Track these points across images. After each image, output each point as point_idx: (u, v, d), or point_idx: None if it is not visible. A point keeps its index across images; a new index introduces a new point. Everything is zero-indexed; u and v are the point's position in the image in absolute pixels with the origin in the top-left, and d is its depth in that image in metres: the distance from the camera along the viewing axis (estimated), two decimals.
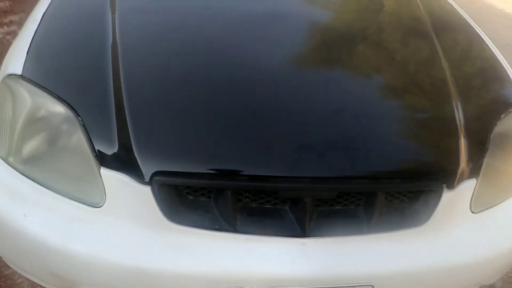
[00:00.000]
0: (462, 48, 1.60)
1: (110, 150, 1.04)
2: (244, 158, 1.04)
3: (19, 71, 1.20)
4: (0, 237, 1.18)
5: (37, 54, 1.26)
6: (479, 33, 1.67)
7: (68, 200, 1.08)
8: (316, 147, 1.07)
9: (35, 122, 1.13)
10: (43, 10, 1.42)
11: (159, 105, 1.12)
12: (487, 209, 1.23)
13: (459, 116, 1.23)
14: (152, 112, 1.10)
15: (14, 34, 3.68)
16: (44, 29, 1.34)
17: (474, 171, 1.17)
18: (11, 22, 3.98)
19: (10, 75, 1.21)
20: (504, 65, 1.53)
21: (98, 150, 1.05)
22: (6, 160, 1.15)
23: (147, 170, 1.01)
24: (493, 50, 1.60)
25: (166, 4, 1.50)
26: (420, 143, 1.18)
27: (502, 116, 1.30)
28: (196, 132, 1.07)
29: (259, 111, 1.13)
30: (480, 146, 1.21)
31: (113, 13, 1.37)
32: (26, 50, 1.26)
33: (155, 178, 1.00)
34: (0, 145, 1.17)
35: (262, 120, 1.11)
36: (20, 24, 3.86)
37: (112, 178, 1.04)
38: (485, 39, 1.65)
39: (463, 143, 1.17)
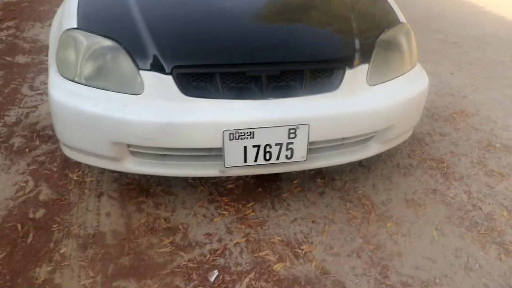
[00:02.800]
0: None
1: (145, 60, 1.74)
2: (224, 54, 1.77)
3: (75, 25, 1.89)
4: (72, 126, 1.83)
5: (84, 15, 1.94)
6: None
7: (120, 93, 1.77)
8: (266, 46, 1.81)
9: (91, 53, 1.81)
10: None
11: (171, 29, 1.84)
12: (378, 84, 1.97)
13: (356, 29, 1.98)
14: (167, 33, 1.82)
15: (14, 36, 4.30)
16: (84, 1, 2.03)
17: (366, 59, 1.92)
18: (8, 27, 4.58)
19: (69, 29, 1.90)
20: (392, 6, 2.29)
21: (137, 61, 1.75)
22: (73, 80, 1.84)
23: (168, 66, 1.72)
24: None
25: None
26: (330, 42, 1.95)
27: (385, 30, 2.06)
28: (195, 42, 1.79)
29: (232, 29, 1.87)
30: (369, 46, 1.96)
31: None
32: (75, 13, 1.95)
33: (174, 70, 1.71)
34: (68, 71, 1.85)
35: (234, 33, 1.85)
36: (17, 27, 4.48)
37: (147, 75, 1.74)
38: None
39: (357, 43, 1.92)
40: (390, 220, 2.17)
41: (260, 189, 2.31)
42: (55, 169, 2.43)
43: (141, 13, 1.89)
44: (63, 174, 2.40)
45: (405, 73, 2.08)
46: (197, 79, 1.77)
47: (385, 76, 1.99)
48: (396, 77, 2.03)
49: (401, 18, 2.22)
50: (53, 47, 2.10)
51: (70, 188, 2.31)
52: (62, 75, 1.88)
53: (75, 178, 2.37)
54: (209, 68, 1.74)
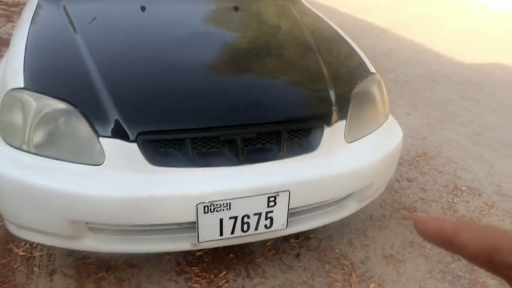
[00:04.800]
0: (331, 45, 2.31)
1: (105, 125, 1.55)
2: (194, 118, 1.60)
3: (21, 85, 1.67)
4: (20, 202, 1.58)
5: (32, 72, 1.72)
6: (343, 36, 2.40)
7: (77, 164, 1.56)
8: (240, 106, 1.67)
9: (41, 118, 1.60)
10: (24, 41, 1.89)
11: (133, 92, 1.65)
12: (356, 140, 1.87)
13: (330, 82, 1.89)
14: (130, 95, 1.63)
15: None
16: (31, 55, 1.81)
17: (343, 116, 1.82)
18: None
19: (14, 89, 1.67)
20: (359, 53, 2.24)
21: (96, 127, 1.55)
22: (20, 148, 1.60)
23: (132, 133, 1.53)
24: (353, 46, 2.31)
25: (118, 30, 2.06)
26: (307, 101, 1.84)
27: (358, 82, 1.98)
28: (161, 105, 1.62)
29: (202, 89, 1.71)
30: (345, 101, 1.86)
31: (78, 37, 1.89)
32: (21, 71, 1.72)
33: (139, 137, 1.53)
34: (14, 138, 1.62)
35: (204, 94, 1.69)
36: None
37: (108, 142, 1.54)
38: (348, 40, 2.37)
39: (333, 99, 1.82)
40: (372, 280, 2.05)
41: (232, 255, 2.13)
42: None
43: (99, 70, 1.70)
44: (7, 249, 2.11)
45: (380, 126, 2.00)
46: (165, 145, 1.59)
47: (362, 131, 1.91)
48: (372, 131, 1.95)
49: (371, 67, 2.17)
50: None
51: (15, 266, 2.02)
52: (6, 142, 1.64)
53: (22, 253, 2.09)
54: (179, 134, 1.57)
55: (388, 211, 2.54)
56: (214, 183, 1.56)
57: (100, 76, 1.67)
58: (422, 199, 2.68)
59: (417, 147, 3.34)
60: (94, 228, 1.67)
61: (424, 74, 5.14)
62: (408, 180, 2.87)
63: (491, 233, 0.31)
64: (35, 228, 1.66)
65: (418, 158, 3.16)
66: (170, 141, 1.59)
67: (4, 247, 2.11)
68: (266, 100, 1.73)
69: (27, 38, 1.92)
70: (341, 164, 1.76)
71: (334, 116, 1.78)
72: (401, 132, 2.08)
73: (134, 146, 1.53)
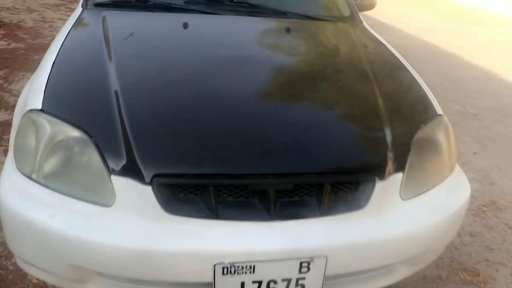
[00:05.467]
0: (391, 77, 2.01)
1: (118, 161, 1.35)
2: (221, 162, 1.37)
3: (39, 106, 1.51)
4: (23, 237, 1.42)
5: (52, 93, 1.57)
6: (407, 67, 2.09)
7: (84, 203, 1.37)
8: (275, 151, 1.41)
9: (54, 145, 1.43)
10: (53, 56, 1.75)
11: (153, 127, 1.44)
12: (414, 196, 1.57)
13: (388, 125, 1.60)
14: (149, 132, 1.42)
15: (0, 88, 3.96)
16: (56, 74, 1.67)
17: (400, 167, 1.52)
18: None
19: (32, 110, 1.52)
20: (424, 89, 1.93)
21: (109, 163, 1.35)
22: (29, 177, 1.44)
23: (148, 174, 1.32)
24: (416, 78, 2.01)
25: (153, 50, 1.87)
26: (356, 146, 1.54)
27: (421, 126, 1.68)
28: (183, 145, 1.40)
29: (232, 127, 1.47)
30: (404, 148, 1.56)
31: (109, 55, 1.73)
32: (43, 90, 1.58)
33: (155, 179, 1.31)
34: (25, 165, 1.46)
35: (234, 133, 1.45)
36: (6, 78, 4.15)
37: (120, 182, 1.34)
38: (411, 71, 2.07)
39: (390, 146, 1.53)
40: None
41: None
42: (11, 267, 2.01)
43: (123, 98, 1.51)
44: (21, 274, 1.97)
45: (444, 180, 1.68)
46: (184, 190, 1.37)
47: (422, 186, 1.60)
48: (434, 187, 1.63)
49: (438, 107, 1.85)
50: (14, 128, 1.72)
51: None
52: (18, 169, 1.48)
53: (35, 281, 1.95)
54: (201, 179, 1.35)
55: (445, 271, 2.19)
56: (237, 240, 1.32)
57: (123, 104, 1.48)
58: (487, 260, 2.30)
59: (484, 194, 2.94)
60: (102, 272, 1.47)
61: (496, 107, 4.67)
62: (471, 235, 2.49)
63: None
64: (38, 266, 1.49)
65: (484, 208, 2.77)
66: (190, 186, 1.36)
67: (19, 272, 1.97)
68: (308, 144, 1.47)
69: (57, 54, 1.78)
70: (393, 226, 1.46)
71: (390, 167, 1.49)
72: (469, 187, 1.75)
73: (148, 189, 1.32)
